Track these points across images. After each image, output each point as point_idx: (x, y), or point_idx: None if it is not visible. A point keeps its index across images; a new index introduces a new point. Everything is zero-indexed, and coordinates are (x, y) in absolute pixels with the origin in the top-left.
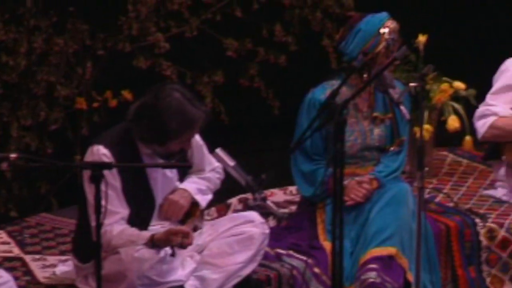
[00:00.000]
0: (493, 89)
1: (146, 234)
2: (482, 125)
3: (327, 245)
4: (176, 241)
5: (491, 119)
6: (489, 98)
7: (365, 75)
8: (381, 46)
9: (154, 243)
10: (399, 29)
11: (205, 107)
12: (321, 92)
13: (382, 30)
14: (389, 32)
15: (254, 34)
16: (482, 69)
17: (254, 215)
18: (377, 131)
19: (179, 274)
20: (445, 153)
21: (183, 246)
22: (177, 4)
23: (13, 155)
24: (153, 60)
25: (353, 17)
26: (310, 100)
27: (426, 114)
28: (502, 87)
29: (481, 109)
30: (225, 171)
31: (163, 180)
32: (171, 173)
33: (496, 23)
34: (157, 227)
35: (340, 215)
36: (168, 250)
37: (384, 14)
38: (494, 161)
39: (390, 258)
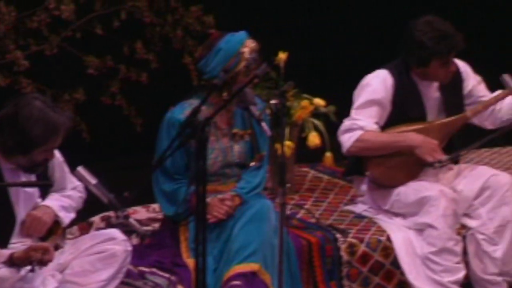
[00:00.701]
0: (357, 104)
1: (5, 252)
2: (347, 139)
3: (190, 262)
4: (36, 257)
5: (357, 133)
6: (354, 112)
7: (224, 94)
8: (241, 65)
9: (14, 262)
10: (259, 48)
11: (68, 112)
12: (180, 111)
13: (242, 50)
14: (249, 52)
15: (115, 51)
16: (341, 85)
17: (116, 232)
18: (237, 147)
19: None
20: (306, 169)
21: (43, 262)
22: (36, 22)
23: None
24: (12, 78)
25: (213, 35)
26: (169, 119)
27: (287, 130)
28: (365, 102)
29: (347, 123)
30: (87, 189)
31: (24, 196)
32: (32, 189)
33: (354, 40)
34: (18, 244)
35: (203, 232)
36: (28, 267)
37: (243, 34)
38: (356, 177)
39: (253, 274)
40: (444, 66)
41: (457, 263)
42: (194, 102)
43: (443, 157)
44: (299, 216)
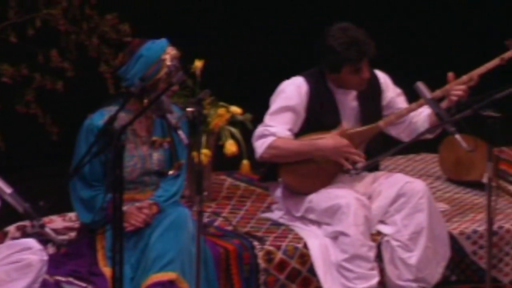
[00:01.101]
0: (271, 110)
1: None
2: (260, 145)
3: (107, 271)
4: None
5: (269, 139)
6: (267, 119)
7: (145, 100)
8: (162, 72)
9: None
10: (180, 55)
11: None
12: (99, 118)
13: (163, 57)
14: (170, 59)
15: (30, 59)
16: (257, 93)
17: (32, 242)
18: (156, 155)
19: None
20: (223, 177)
21: None
22: None
23: None
24: None
25: (133, 42)
26: (88, 126)
27: (204, 138)
28: (279, 108)
29: (260, 129)
30: (2, 198)
31: None
32: None
33: (270, 47)
34: None
35: (120, 241)
36: None
37: (164, 41)
38: (271, 183)
39: (171, 283)
40: (356, 72)
41: (371, 269)
42: (113, 109)
43: (359, 164)
44: (216, 224)
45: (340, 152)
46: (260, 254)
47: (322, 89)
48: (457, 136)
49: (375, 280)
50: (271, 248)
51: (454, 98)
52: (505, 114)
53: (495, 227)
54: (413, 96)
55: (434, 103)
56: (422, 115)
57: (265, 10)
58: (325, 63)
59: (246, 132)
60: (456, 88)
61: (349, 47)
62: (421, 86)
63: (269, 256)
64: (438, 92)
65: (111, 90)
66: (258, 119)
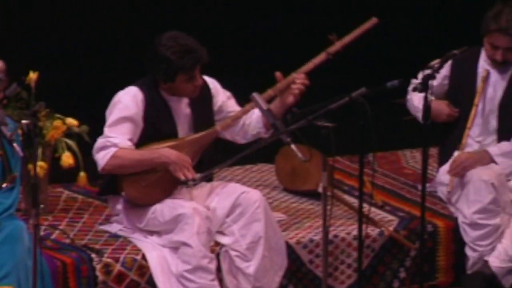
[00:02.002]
0: (109, 121)
1: None
2: (102, 157)
3: None
4: None
5: (111, 151)
6: (107, 130)
7: None
8: None
9: None
10: (6, 67)
11: None
12: None
13: None
14: None
15: None
16: (93, 105)
17: None
18: None
19: None
20: (60, 189)
21: None
22: None
23: None
24: None
25: None
26: None
27: (39, 151)
28: (117, 119)
29: (101, 141)
30: None
31: None
32: None
33: (103, 57)
34: None
35: None
36: None
37: None
38: (110, 196)
39: None
40: (190, 80)
41: (212, 280)
42: None
43: (196, 175)
44: (53, 237)
45: (180, 166)
46: (98, 266)
47: (156, 98)
48: (293, 146)
49: None
50: (109, 260)
51: (296, 91)
52: (339, 124)
53: (330, 235)
54: (245, 97)
55: (270, 114)
56: (254, 116)
57: (99, 23)
58: (159, 73)
59: (83, 144)
60: (297, 80)
61: (183, 55)
62: (256, 97)
63: (107, 268)
64: (270, 92)
65: None
66: (94, 131)
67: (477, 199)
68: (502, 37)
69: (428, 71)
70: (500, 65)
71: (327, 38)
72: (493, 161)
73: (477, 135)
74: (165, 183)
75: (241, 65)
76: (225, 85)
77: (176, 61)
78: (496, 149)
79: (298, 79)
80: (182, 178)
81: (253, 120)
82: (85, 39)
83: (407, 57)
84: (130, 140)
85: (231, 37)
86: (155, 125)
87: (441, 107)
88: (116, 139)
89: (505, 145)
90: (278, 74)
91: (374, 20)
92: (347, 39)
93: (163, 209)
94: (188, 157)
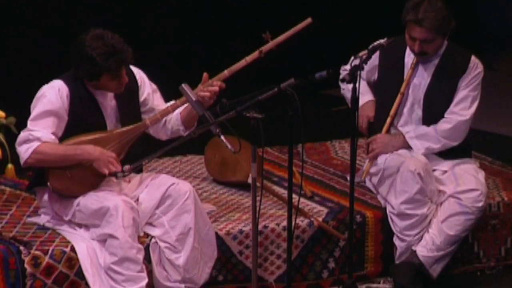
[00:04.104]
0: (33, 115)
1: None
2: (25, 150)
3: None
4: None
5: (34, 144)
6: (30, 124)
7: None
8: None
9: None
10: None
11: None
12: None
13: None
14: None
15: None
16: (19, 97)
17: None
18: None
19: None
20: None
21: None
22: None
23: None
24: None
25: None
26: None
27: None
28: (41, 112)
29: (24, 134)
30: None
31: None
32: None
33: (29, 49)
34: None
35: None
36: None
37: None
38: (38, 187)
39: None
40: (115, 79)
41: (139, 271)
42: None
43: (125, 167)
44: None
45: (104, 162)
46: (27, 259)
47: (82, 91)
48: (222, 138)
49: (144, 282)
50: (38, 252)
51: (207, 94)
52: (268, 115)
53: (260, 226)
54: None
55: (199, 105)
56: (174, 114)
57: (27, 12)
58: (83, 72)
59: (10, 136)
60: (205, 89)
61: (108, 57)
62: (186, 88)
63: (36, 260)
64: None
65: None
66: (22, 123)
67: (404, 189)
68: (418, 28)
69: (356, 62)
70: (420, 56)
71: (261, 37)
72: (406, 142)
73: (402, 124)
74: (91, 177)
75: (175, 63)
76: (156, 81)
77: (101, 63)
78: (411, 131)
79: (214, 86)
80: (106, 173)
81: (173, 117)
82: (12, 29)
83: (335, 48)
84: (54, 133)
85: (165, 34)
86: (82, 118)
87: (365, 112)
88: (39, 132)
89: (421, 128)
90: (205, 75)
91: (308, 21)
92: (280, 38)
93: (86, 202)
94: (112, 152)
